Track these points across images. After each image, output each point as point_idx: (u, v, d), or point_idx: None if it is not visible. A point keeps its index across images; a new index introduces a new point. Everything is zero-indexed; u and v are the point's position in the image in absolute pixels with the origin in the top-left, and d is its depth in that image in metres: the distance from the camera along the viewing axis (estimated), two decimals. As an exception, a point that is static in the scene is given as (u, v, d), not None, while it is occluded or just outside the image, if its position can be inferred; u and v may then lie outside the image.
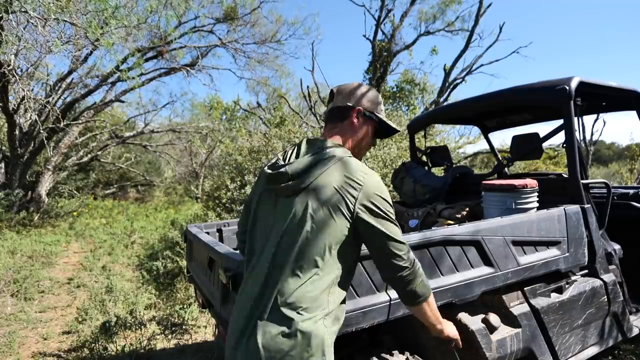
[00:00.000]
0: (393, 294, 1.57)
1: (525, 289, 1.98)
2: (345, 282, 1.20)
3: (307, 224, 1.10)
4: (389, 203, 1.19)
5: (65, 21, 5.59)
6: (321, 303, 1.08)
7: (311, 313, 1.06)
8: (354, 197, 1.12)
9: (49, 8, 4.98)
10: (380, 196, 1.17)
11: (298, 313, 1.04)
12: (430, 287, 1.29)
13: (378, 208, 1.15)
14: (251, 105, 15.98)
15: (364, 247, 1.25)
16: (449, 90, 13.33)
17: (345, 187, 1.13)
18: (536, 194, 2.27)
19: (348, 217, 1.12)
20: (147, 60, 9.58)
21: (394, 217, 1.21)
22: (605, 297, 2.20)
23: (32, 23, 5.31)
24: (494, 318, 1.82)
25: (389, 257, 1.18)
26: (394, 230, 1.19)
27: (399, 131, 1.42)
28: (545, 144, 2.58)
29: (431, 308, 1.30)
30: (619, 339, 2.30)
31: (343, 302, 1.19)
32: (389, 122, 1.37)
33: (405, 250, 1.20)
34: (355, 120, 1.32)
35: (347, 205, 1.12)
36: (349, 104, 1.32)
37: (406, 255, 1.20)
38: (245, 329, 1.08)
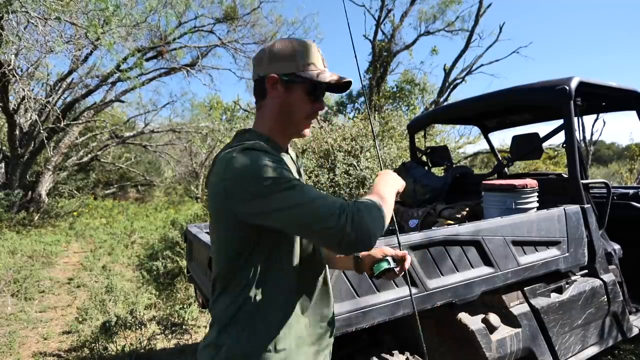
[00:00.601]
0: (393, 294, 1.57)
1: (525, 289, 1.98)
2: (277, 294, 0.97)
3: (214, 236, 1.01)
4: (265, 178, 0.85)
5: (67, 21, 5.59)
6: (238, 320, 0.95)
7: (229, 328, 0.96)
8: (226, 193, 0.89)
9: (50, 7, 4.98)
10: (249, 177, 0.86)
11: (218, 328, 0.97)
12: (376, 216, 0.88)
13: (253, 190, 0.86)
14: (251, 106, 15.98)
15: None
16: (449, 90, 13.36)
17: (218, 186, 0.92)
18: (536, 194, 2.27)
19: (231, 221, 0.92)
20: (147, 60, 9.59)
21: (282, 186, 0.85)
22: (605, 297, 2.20)
23: (33, 23, 5.31)
24: (494, 318, 1.82)
25: (311, 232, 0.86)
26: (290, 200, 0.84)
27: (346, 79, 1.04)
28: (545, 144, 2.58)
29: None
30: (618, 338, 2.31)
31: (286, 320, 0.97)
32: (321, 75, 1.00)
33: (325, 212, 0.83)
34: (274, 93, 1.01)
35: (225, 206, 0.91)
36: (260, 74, 1.02)
37: (328, 216, 0.83)
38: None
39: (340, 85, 1.06)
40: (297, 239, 1.01)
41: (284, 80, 1.00)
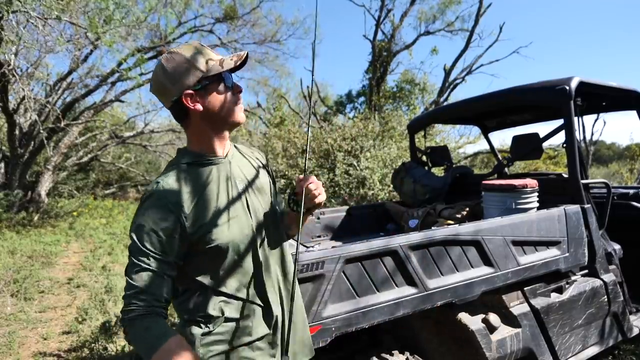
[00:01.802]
0: (393, 294, 1.57)
1: (525, 289, 1.98)
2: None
3: None
4: (135, 224, 0.96)
5: (67, 21, 5.59)
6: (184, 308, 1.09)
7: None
8: None
9: (51, 6, 4.97)
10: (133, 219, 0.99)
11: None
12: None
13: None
14: (251, 105, 16.00)
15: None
16: (449, 90, 13.35)
17: None
18: (536, 194, 2.27)
19: None
20: (147, 60, 9.59)
21: (131, 248, 0.96)
22: (605, 297, 2.20)
23: (32, 23, 5.31)
24: (494, 318, 1.82)
25: None
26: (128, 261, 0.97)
27: (243, 55, 1.07)
28: (545, 144, 2.58)
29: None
30: (619, 339, 2.31)
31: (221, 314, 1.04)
32: (225, 63, 1.04)
33: (126, 291, 0.94)
34: (196, 106, 1.01)
35: None
36: (172, 99, 1.01)
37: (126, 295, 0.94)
38: None
39: (243, 62, 1.07)
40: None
41: (197, 89, 1.01)
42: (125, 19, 6.05)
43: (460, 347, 1.80)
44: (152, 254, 0.94)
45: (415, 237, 1.64)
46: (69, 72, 8.98)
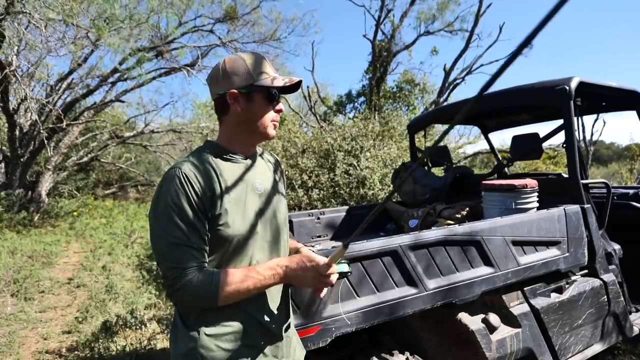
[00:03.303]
0: (393, 294, 1.57)
1: (525, 289, 1.98)
2: None
3: None
4: (160, 205, 1.00)
5: (72, 23, 5.59)
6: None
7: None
8: None
9: (62, 10, 4.97)
10: (154, 199, 1.03)
11: None
12: (202, 294, 0.98)
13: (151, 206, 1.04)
14: (251, 105, 15.95)
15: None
16: (448, 90, 13.34)
17: None
18: (536, 194, 2.27)
19: None
20: (148, 59, 9.59)
21: (156, 222, 1.00)
22: (605, 297, 2.20)
23: (35, 24, 5.31)
24: (494, 318, 1.82)
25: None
26: (151, 242, 1.03)
27: (295, 80, 1.13)
28: (545, 144, 2.58)
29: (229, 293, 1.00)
30: (619, 338, 2.30)
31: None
32: (275, 81, 1.10)
33: (163, 267, 1.00)
34: (236, 106, 1.09)
35: None
36: (219, 92, 1.10)
37: (165, 271, 1.00)
38: None
39: (293, 86, 1.15)
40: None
41: (243, 93, 1.08)
42: (129, 20, 6.05)
43: (460, 347, 1.80)
44: (180, 227, 0.97)
45: (415, 237, 1.64)
46: (70, 72, 8.99)
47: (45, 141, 7.72)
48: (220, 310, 1.02)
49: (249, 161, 1.15)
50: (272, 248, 1.15)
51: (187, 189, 0.98)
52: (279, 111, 1.15)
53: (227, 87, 1.08)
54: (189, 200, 0.98)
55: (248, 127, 1.12)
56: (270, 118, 1.13)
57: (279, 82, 1.10)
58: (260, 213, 1.12)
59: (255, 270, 1.02)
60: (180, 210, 0.97)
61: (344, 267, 1.11)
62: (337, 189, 6.14)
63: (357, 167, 6.15)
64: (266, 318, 1.09)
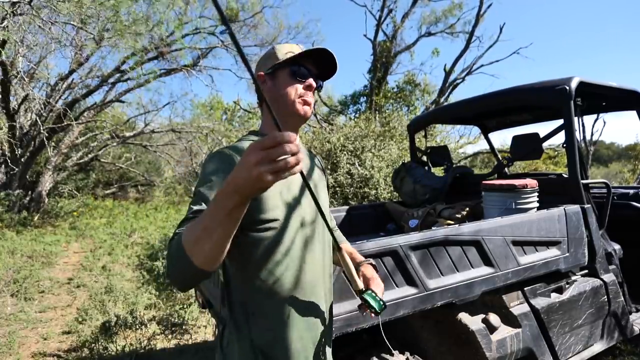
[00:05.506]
0: (393, 294, 1.57)
1: (525, 289, 1.98)
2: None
3: None
4: (205, 172, 0.98)
5: (76, 26, 5.59)
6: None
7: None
8: None
9: (61, 11, 4.97)
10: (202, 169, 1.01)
11: None
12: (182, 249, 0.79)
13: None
14: (251, 106, 15.99)
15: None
16: (449, 90, 13.35)
17: None
18: (536, 194, 2.27)
19: None
20: (148, 60, 9.60)
21: (198, 187, 0.95)
22: (605, 297, 2.20)
23: (39, 25, 5.31)
24: (494, 318, 1.82)
25: None
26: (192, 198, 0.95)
27: (323, 49, 1.08)
28: (545, 144, 2.58)
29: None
30: (619, 338, 2.30)
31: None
32: (296, 53, 1.08)
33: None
34: (265, 87, 1.09)
35: None
36: (252, 81, 1.08)
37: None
38: None
39: (325, 60, 1.10)
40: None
41: (268, 73, 1.09)
42: (134, 25, 6.06)
43: (460, 347, 1.80)
44: (204, 196, 0.93)
45: (415, 237, 1.64)
46: (70, 72, 8.99)
47: (46, 141, 7.72)
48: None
49: None
50: (321, 239, 1.10)
51: (225, 165, 0.96)
52: (308, 87, 1.08)
53: (257, 72, 1.11)
54: (225, 175, 0.93)
55: (276, 106, 1.06)
56: (296, 93, 1.07)
57: (299, 52, 1.07)
58: (299, 198, 1.06)
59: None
60: (214, 181, 0.93)
61: (374, 302, 1.03)
62: (338, 188, 6.15)
63: (361, 167, 6.16)
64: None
